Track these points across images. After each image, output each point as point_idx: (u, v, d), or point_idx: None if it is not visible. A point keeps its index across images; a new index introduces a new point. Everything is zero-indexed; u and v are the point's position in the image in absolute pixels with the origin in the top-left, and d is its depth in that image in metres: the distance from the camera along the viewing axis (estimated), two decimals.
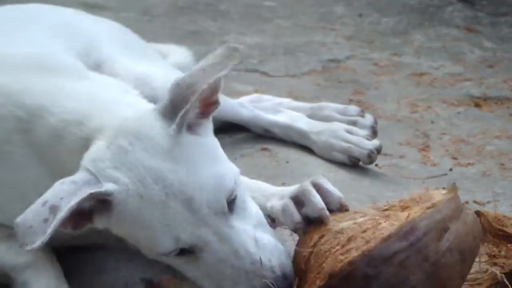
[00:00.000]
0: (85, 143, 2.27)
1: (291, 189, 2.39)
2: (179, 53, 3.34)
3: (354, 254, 2.19)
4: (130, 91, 2.59)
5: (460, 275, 2.27)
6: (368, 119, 3.04)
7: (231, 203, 2.21)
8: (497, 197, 2.82)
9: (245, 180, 2.46)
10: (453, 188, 2.28)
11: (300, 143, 3.04)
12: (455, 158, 3.06)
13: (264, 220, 2.27)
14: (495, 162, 3.04)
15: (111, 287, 2.41)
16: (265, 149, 3.02)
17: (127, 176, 2.22)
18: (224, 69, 2.29)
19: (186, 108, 2.25)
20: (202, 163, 2.27)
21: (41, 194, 2.29)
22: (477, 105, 3.33)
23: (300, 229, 2.31)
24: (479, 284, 2.37)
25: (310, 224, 2.32)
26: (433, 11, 3.81)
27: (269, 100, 3.18)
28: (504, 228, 2.48)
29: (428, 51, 3.61)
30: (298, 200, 2.34)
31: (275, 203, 2.38)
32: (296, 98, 3.23)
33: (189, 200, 2.19)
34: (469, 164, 3.04)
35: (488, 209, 2.62)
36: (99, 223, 2.23)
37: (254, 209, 2.27)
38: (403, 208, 2.32)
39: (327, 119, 3.07)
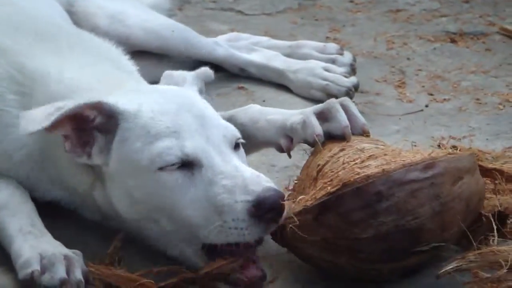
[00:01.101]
0: None
1: (316, 106, 2.43)
2: None
3: (373, 170, 2.22)
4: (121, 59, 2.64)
5: (458, 226, 2.29)
6: (347, 57, 3.08)
7: (236, 146, 2.29)
8: (473, 132, 2.88)
9: (263, 108, 2.55)
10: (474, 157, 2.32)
11: (277, 82, 3.05)
12: (431, 94, 3.09)
13: None
14: (471, 97, 3.08)
15: (85, 242, 2.38)
16: (242, 88, 3.03)
17: (141, 99, 2.31)
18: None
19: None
20: (211, 109, 2.37)
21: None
22: (453, 40, 3.36)
23: (319, 142, 2.34)
24: None
25: (329, 140, 2.37)
26: None
27: (246, 39, 3.19)
28: (480, 162, 2.50)
29: None
30: (323, 117, 2.37)
31: (296, 119, 2.40)
32: (272, 36, 3.24)
33: (201, 117, 2.27)
34: (445, 100, 3.07)
35: (464, 144, 2.67)
36: (99, 143, 2.27)
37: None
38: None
39: (305, 57, 3.08)
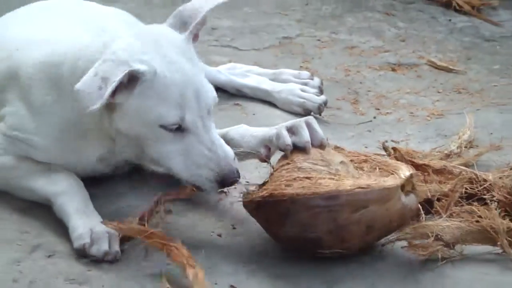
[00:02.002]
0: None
1: (288, 122, 2.40)
2: None
3: (290, 191, 2.19)
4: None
5: (360, 239, 2.24)
6: (316, 81, 3.05)
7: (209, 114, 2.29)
8: (408, 137, 2.88)
9: (249, 127, 2.56)
10: (406, 181, 2.24)
11: (265, 100, 3.03)
12: (377, 109, 3.08)
13: None
14: (406, 111, 3.06)
15: (118, 208, 2.40)
16: (237, 104, 3.01)
17: (156, 61, 2.21)
18: (216, 3, 2.35)
19: (196, 21, 2.31)
20: (201, 69, 2.34)
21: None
22: (393, 69, 3.34)
23: (287, 151, 2.31)
24: None
25: (294, 150, 2.31)
26: (361, 0, 3.79)
27: (241, 67, 3.16)
28: (413, 160, 2.51)
29: (357, 30, 3.62)
30: (291, 131, 2.33)
31: (272, 132, 2.38)
32: (260, 66, 3.22)
33: (197, 91, 2.24)
34: (387, 113, 3.05)
35: (402, 146, 2.69)
36: (120, 97, 2.20)
37: None
38: (361, 161, 2.36)
39: (285, 81, 3.05)
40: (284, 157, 2.31)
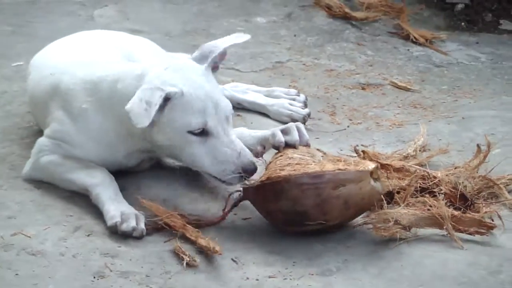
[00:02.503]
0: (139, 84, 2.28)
1: (281, 126, 2.46)
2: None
3: (283, 173, 2.24)
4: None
5: (338, 213, 2.26)
6: (302, 97, 3.05)
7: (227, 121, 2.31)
8: (374, 142, 2.87)
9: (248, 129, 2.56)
10: (374, 169, 2.27)
11: (260, 112, 3.02)
12: (350, 120, 3.07)
13: None
14: (373, 121, 3.06)
15: (143, 198, 2.37)
16: (238, 115, 2.98)
17: (183, 84, 2.25)
18: (237, 41, 2.44)
19: (214, 54, 2.36)
20: (219, 89, 2.39)
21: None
22: (363, 88, 3.33)
23: (281, 147, 2.36)
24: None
25: (287, 147, 2.37)
26: (337, 33, 3.77)
27: (242, 86, 3.15)
28: (378, 160, 2.51)
29: (335, 57, 3.59)
30: (284, 132, 2.39)
31: (268, 133, 2.42)
32: (257, 85, 3.20)
33: (216, 104, 2.26)
34: (358, 123, 3.05)
35: (370, 149, 2.67)
36: (156, 115, 2.22)
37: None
38: (334, 161, 2.33)
39: (277, 97, 3.04)
40: (277, 152, 2.37)
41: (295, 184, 2.21)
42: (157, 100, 2.20)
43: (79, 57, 2.62)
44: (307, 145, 2.41)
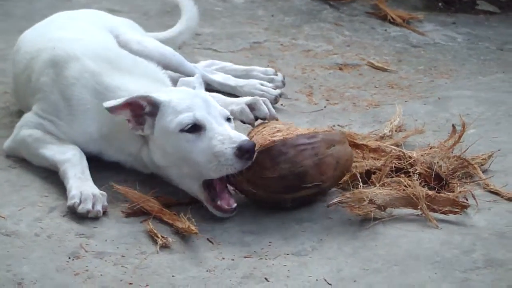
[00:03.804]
0: None
1: (246, 99, 2.50)
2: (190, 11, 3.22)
3: (277, 138, 2.27)
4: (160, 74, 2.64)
5: (332, 173, 2.31)
6: (280, 76, 3.07)
7: (228, 121, 2.31)
8: (351, 122, 2.89)
9: (212, 93, 2.56)
10: (345, 135, 2.39)
11: (230, 93, 2.97)
12: (327, 100, 3.08)
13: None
14: (350, 102, 3.06)
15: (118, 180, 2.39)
16: None
17: (173, 96, 2.32)
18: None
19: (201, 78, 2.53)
20: (209, 96, 2.41)
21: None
22: (340, 69, 3.33)
23: (252, 124, 2.43)
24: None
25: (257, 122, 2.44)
26: (315, 13, 3.80)
27: (218, 64, 3.14)
28: (354, 140, 2.52)
29: (312, 37, 3.60)
30: (251, 107, 2.45)
31: (235, 108, 2.44)
32: (234, 64, 3.20)
33: (206, 101, 2.30)
34: (335, 103, 3.05)
35: (346, 129, 2.69)
36: (149, 124, 2.30)
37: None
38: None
39: (255, 77, 3.03)
40: (258, 125, 2.41)
41: (292, 145, 2.24)
42: (133, 97, 2.27)
43: (78, 33, 2.65)
44: (276, 119, 2.46)
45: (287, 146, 2.23)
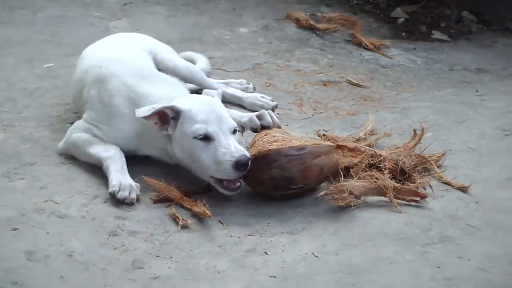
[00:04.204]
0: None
1: (256, 113, 2.46)
2: (203, 61, 3.21)
3: (273, 147, 2.25)
4: (181, 86, 2.57)
5: (316, 178, 2.29)
6: (251, 85, 3.08)
7: (234, 133, 2.28)
8: (333, 128, 2.86)
9: (231, 110, 2.53)
10: (334, 147, 2.34)
11: (238, 103, 2.95)
12: (314, 110, 3.04)
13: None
14: (333, 111, 3.03)
15: (147, 177, 2.35)
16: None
17: (193, 105, 2.30)
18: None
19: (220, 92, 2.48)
20: (225, 110, 2.37)
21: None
22: (324, 85, 3.29)
23: (258, 129, 2.39)
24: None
25: (262, 129, 2.39)
26: (304, 41, 3.77)
27: (230, 80, 3.11)
28: (336, 142, 2.52)
29: (302, 60, 3.56)
30: (258, 117, 2.42)
31: (246, 120, 2.42)
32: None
33: (219, 117, 2.26)
34: (321, 112, 3.02)
35: (329, 133, 2.69)
36: (171, 126, 2.29)
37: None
38: (302, 140, 2.33)
39: (234, 87, 3.02)
40: (260, 132, 2.38)
41: (283, 155, 2.22)
42: (160, 107, 2.26)
43: (120, 55, 2.63)
44: (279, 127, 2.44)
45: (279, 155, 2.22)
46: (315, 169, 2.25)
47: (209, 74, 3.13)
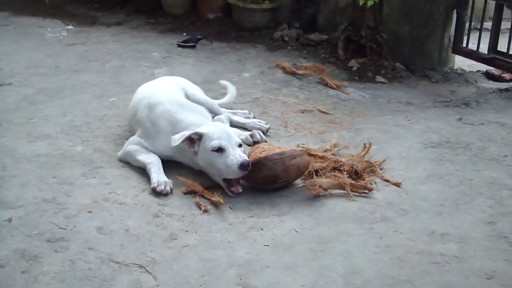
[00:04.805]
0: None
1: (249, 132, 2.49)
2: (233, 91, 3.13)
3: (262, 155, 2.22)
4: (208, 115, 2.54)
5: (294, 174, 2.24)
6: (252, 114, 3.00)
7: (239, 146, 2.24)
8: (308, 142, 2.82)
9: (235, 130, 2.51)
10: (304, 151, 2.31)
11: (242, 127, 2.89)
12: (295, 130, 3.00)
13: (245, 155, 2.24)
14: (309, 131, 2.99)
15: (179, 176, 2.35)
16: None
17: (210, 129, 2.25)
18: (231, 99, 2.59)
19: (228, 120, 2.43)
20: (234, 131, 2.35)
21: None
22: (302, 112, 3.24)
23: (251, 144, 2.41)
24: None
25: (254, 143, 2.41)
26: (289, 82, 3.72)
27: (237, 110, 3.06)
28: (310, 152, 2.48)
29: (287, 95, 3.51)
30: (251, 136, 2.47)
31: (243, 137, 2.44)
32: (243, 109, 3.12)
33: (229, 136, 2.22)
34: (300, 131, 2.98)
35: (306, 146, 2.63)
36: (196, 145, 2.27)
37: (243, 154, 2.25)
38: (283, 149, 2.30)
39: (240, 116, 2.95)
40: (253, 146, 2.37)
41: (270, 160, 2.21)
42: (188, 134, 2.24)
43: (163, 90, 2.61)
44: (265, 141, 2.49)
45: (267, 160, 2.21)
46: (294, 167, 2.23)
47: (225, 105, 3.08)
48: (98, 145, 2.69)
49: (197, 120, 2.42)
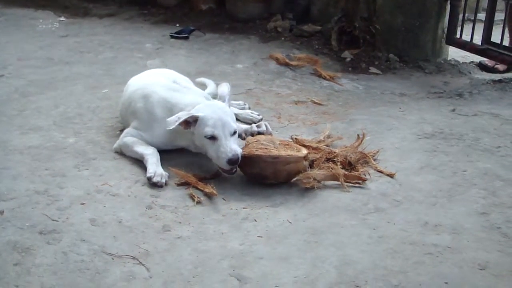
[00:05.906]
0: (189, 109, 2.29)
1: (253, 124, 2.48)
2: (212, 85, 3.08)
3: (257, 152, 2.19)
4: (201, 93, 2.53)
5: (284, 178, 2.22)
6: (247, 105, 2.99)
7: (233, 134, 2.21)
8: (302, 133, 2.79)
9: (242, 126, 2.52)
10: (306, 155, 2.24)
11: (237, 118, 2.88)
12: (289, 121, 2.99)
13: (238, 146, 2.22)
14: (302, 122, 2.98)
15: (172, 167, 2.32)
16: None
17: (207, 113, 2.22)
18: (228, 89, 2.41)
19: (227, 98, 2.35)
20: (232, 117, 2.27)
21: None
22: (296, 103, 3.24)
23: (254, 134, 2.38)
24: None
25: (258, 134, 2.39)
26: (282, 73, 3.72)
27: (232, 102, 3.03)
28: (304, 143, 2.46)
29: (280, 86, 3.49)
30: (257, 126, 2.46)
31: (247, 126, 2.43)
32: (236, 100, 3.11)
33: (224, 123, 2.18)
34: (293, 123, 2.96)
35: (299, 137, 2.61)
36: (192, 126, 2.24)
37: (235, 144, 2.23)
38: (283, 143, 2.28)
39: (235, 107, 2.92)
40: (253, 138, 2.34)
41: (262, 160, 2.18)
42: (184, 117, 2.21)
43: (156, 80, 2.58)
44: (271, 134, 2.46)
45: (259, 160, 2.19)
46: (283, 173, 2.21)
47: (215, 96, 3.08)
48: (90, 136, 2.66)
49: (192, 100, 2.38)
